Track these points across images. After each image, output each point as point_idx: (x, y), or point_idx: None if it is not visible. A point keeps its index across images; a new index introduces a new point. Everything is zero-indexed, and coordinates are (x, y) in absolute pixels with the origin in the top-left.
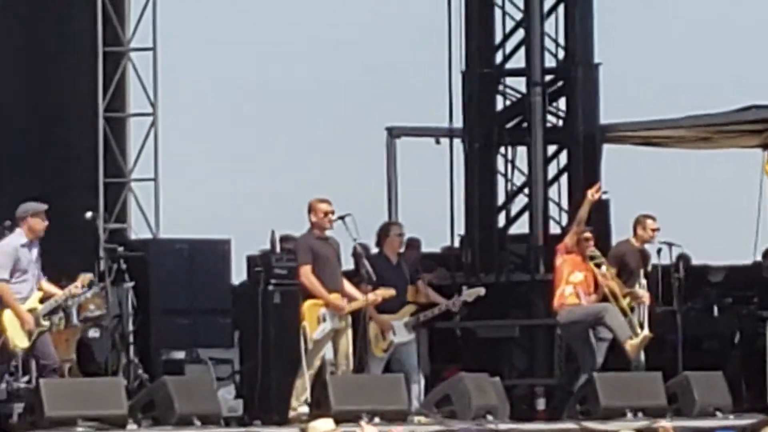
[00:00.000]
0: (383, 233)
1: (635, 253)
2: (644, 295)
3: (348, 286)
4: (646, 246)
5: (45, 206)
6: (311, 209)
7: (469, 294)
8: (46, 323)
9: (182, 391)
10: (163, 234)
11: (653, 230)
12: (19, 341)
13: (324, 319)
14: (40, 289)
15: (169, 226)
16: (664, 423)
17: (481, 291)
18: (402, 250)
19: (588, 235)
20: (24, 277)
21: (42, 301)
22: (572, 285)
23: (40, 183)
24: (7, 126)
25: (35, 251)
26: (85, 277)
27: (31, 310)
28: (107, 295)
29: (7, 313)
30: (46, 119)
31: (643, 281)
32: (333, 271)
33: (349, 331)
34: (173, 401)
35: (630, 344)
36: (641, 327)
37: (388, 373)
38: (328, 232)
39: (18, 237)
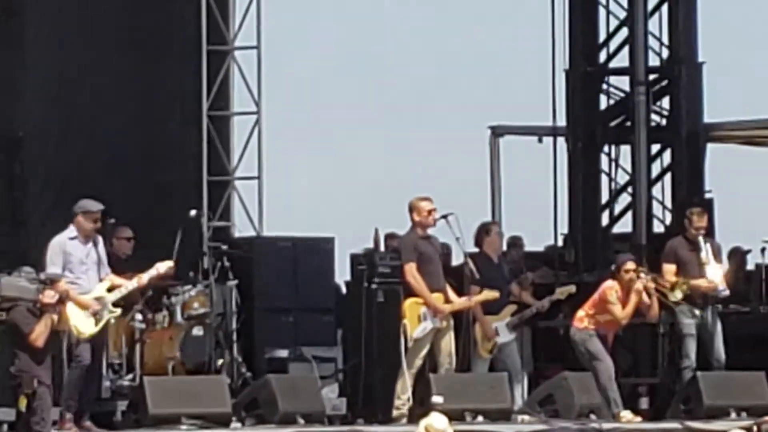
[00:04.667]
0: (484, 232)
1: (686, 246)
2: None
3: (448, 289)
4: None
5: (99, 206)
6: (413, 208)
7: (561, 292)
8: (116, 310)
9: (286, 389)
10: (267, 232)
11: (697, 228)
12: (85, 328)
13: (425, 318)
14: (107, 281)
15: (273, 225)
16: None
17: (572, 289)
18: (504, 249)
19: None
20: (79, 271)
21: (110, 291)
22: (594, 319)
23: (145, 182)
24: (113, 125)
25: (93, 248)
26: (162, 264)
27: (98, 298)
28: (211, 293)
29: (69, 306)
30: (151, 118)
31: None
32: (436, 269)
33: (451, 331)
34: (277, 400)
35: (620, 415)
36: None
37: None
38: (429, 231)
39: (68, 232)
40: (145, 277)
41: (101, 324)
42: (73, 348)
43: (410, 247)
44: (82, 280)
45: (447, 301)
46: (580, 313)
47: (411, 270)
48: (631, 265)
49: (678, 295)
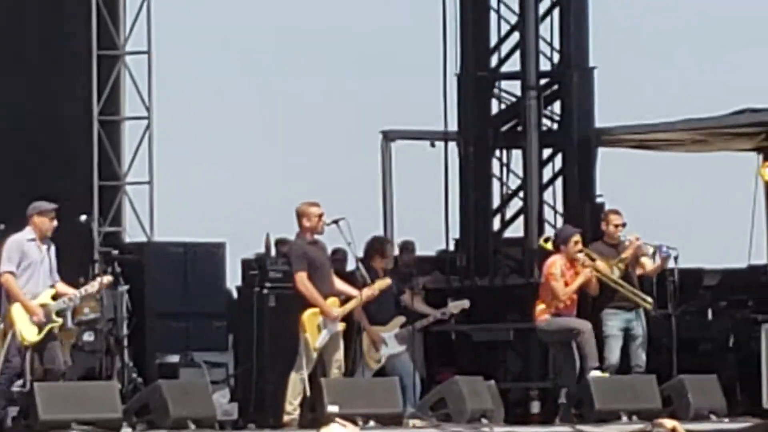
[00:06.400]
0: (378, 250)
1: (607, 249)
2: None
3: (342, 285)
4: (623, 240)
5: (53, 206)
6: (302, 214)
7: (455, 306)
8: (58, 320)
9: (177, 394)
10: (158, 237)
11: (616, 225)
12: (28, 334)
13: (324, 326)
14: (53, 288)
15: (164, 230)
16: (668, 420)
17: (466, 304)
18: (396, 253)
19: (577, 238)
20: (32, 272)
21: (55, 298)
22: (553, 306)
23: (35, 186)
24: (2, 129)
25: (47, 250)
26: (106, 278)
27: (43, 305)
28: (102, 299)
29: (16, 307)
30: (41, 123)
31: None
32: (326, 275)
33: (341, 338)
34: (168, 405)
35: (591, 376)
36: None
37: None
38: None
39: (26, 233)
40: (90, 288)
41: (44, 332)
42: (9, 353)
43: (300, 255)
44: (33, 282)
45: (341, 304)
46: (539, 308)
47: (302, 278)
48: (578, 237)
49: (616, 272)
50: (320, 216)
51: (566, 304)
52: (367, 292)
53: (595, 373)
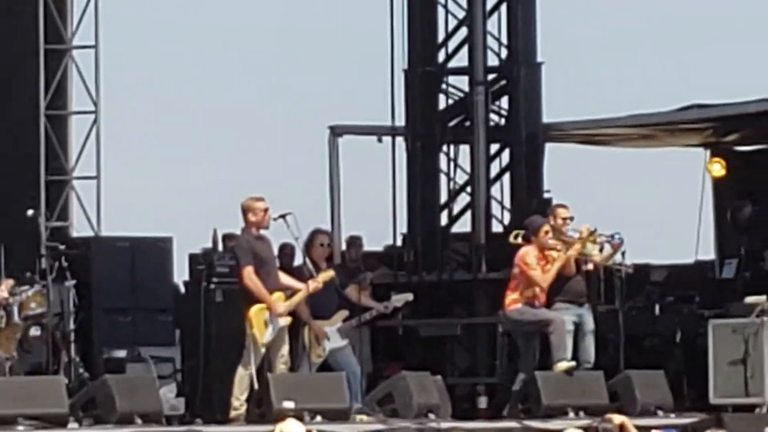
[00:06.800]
0: (309, 242)
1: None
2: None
3: (287, 279)
4: (572, 233)
5: None
6: (247, 209)
7: (398, 300)
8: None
9: (123, 389)
10: (105, 232)
11: (564, 219)
12: None
13: (272, 321)
14: None
15: (111, 225)
16: (616, 416)
17: (409, 297)
18: (343, 248)
19: (547, 228)
20: None
21: None
22: (525, 297)
23: None
24: None
25: None
26: (7, 283)
27: None
28: (49, 293)
29: None
30: None
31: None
32: (272, 270)
33: (286, 333)
34: (114, 400)
35: (558, 366)
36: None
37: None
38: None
39: None
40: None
41: None
42: None
43: (247, 249)
44: None
45: (286, 299)
46: (510, 297)
47: (249, 274)
48: (548, 227)
49: (590, 247)
50: (265, 211)
51: (540, 299)
52: (312, 285)
53: (563, 364)
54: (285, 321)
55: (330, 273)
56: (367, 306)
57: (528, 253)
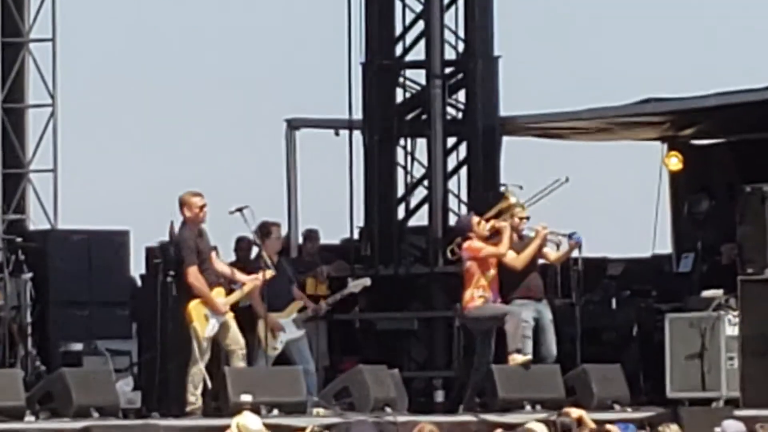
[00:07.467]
0: (263, 234)
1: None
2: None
3: (223, 266)
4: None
5: None
6: (184, 203)
7: (356, 285)
8: None
9: (80, 382)
10: (62, 225)
11: (521, 218)
12: None
13: (212, 315)
14: None
15: (68, 218)
16: (574, 409)
17: (367, 281)
18: (300, 242)
19: (476, 219)
20: None
21: None
22: (481, 288)
23: None
24: None
25: None
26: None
27: None
28: (5, 287)
29: None
30: None
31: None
32: (209, 264)
33: (234, 322)
34: (71, 393)
35: (512, 358)
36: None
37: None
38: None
39: None
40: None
41: None
42: None
43: (191, 248)
44: None
45: (228, 292)
46: (467, 294)
47: (194, 272)
48: (477, 218)
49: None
50: (202, 207)
51: (493, 291)
52: (252, 283)
53: (517, 356)
54: (223, 317)
55: (271, 272)
56: (324, 296)
57: (472, 243)
